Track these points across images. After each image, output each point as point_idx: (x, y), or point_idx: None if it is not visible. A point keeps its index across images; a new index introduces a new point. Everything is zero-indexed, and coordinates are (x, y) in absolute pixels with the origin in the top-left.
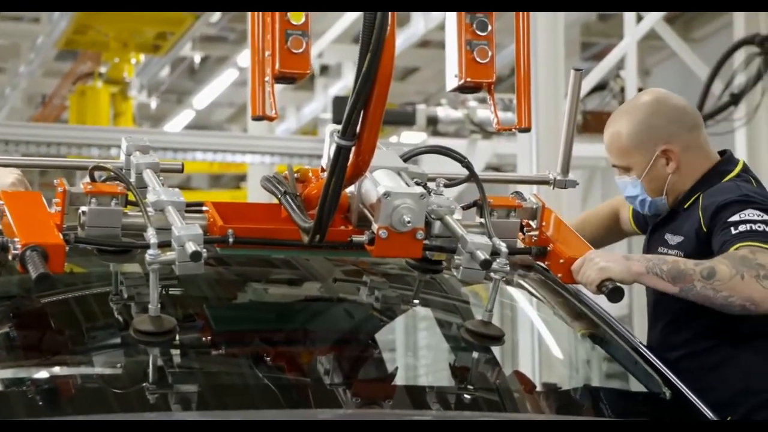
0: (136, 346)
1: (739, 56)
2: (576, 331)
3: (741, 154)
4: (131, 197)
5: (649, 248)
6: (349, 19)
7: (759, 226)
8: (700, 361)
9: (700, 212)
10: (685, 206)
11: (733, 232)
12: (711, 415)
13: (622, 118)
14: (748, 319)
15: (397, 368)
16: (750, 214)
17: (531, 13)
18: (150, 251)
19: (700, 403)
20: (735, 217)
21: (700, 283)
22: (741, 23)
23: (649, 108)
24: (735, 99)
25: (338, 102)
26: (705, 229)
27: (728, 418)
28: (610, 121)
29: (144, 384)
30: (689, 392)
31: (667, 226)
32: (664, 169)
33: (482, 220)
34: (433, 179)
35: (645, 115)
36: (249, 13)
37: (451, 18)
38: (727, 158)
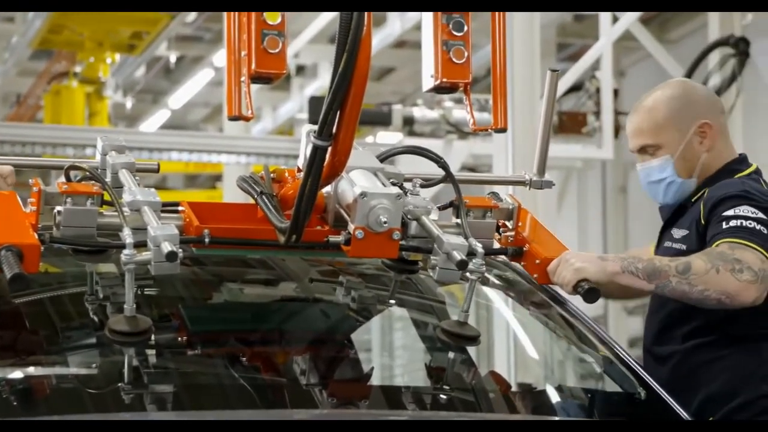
0: (112, 347)
1: (714, 57)
2: (551, 331)
3: None
4: (107, 197)
5: (658, 244)
6: (325, 19)
7: (750, 223)
8: (689, 359)
9: (702, 204)
10: (693, 200)
11: (724, 226)
12: (685, 415)
13: (656, 96)
14: (739, 320)
15: (372, 368)
16: (745, 210)
17: (507, 14)
18: (125, 251)
19: (674, 403)
20: (730, 212)
21: (675, 278)
22: (716, 24)
23: (685, 85)
24: None
25: (314, 102)
26: (703, 222)
27: (710, 419)
28: (638, 104)
29: (119, 384)
30: (664, 393)
31: (675, 222)
32: (700, 146)
33: (458, 220)
34: (409, 179)
35: (683, 90)
36: (225, 13)
37: (427, 18)
38: (741, 158)
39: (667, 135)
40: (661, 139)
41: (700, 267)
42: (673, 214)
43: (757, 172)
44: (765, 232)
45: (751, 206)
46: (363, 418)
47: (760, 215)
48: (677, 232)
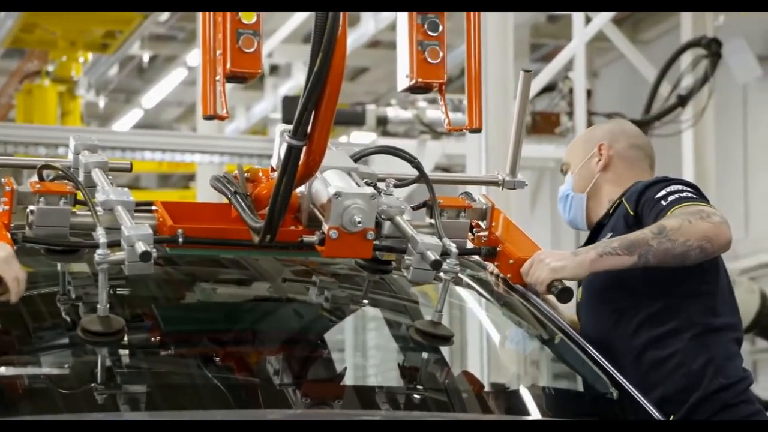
0: (85, 347)
1: (687, 58)
2: (525, 331)
3: (688, 155)
4: (80, 196)
5: None
6: (299, 18)
7: (685, 194)
8: (640, 358)
9: (625, 203)
10: (609, 213)
11: (664, 204)
12: (657, 415)
13: (588, 129)
14: (681, 314)
15: (346, 368)
16: (674, 187)
17: (481, 14)
18: (99, 251)
19: (646, 403)
20: (662, 192)
21: (655, 240)
22: (688, 25)
23: (612, 122)
24: (682, 101)
25: (288, 102)
26: (632, 213)
27: (671, 417)
28: None
29: (92, 384)
30: (636, 392)
31: (594, 240)
32: (596, 166)
33: (432, 220)
34: (383, 179)
35: (607, 124)
36: (200, 13)
37: (402, 18)
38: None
39: (576, 155)
40: (571, 158)
41: (673, 224)
42: (591, 235)
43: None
44: (699, 196)
45: (675, 184)
46: (336, 418)
47: (687, 188)
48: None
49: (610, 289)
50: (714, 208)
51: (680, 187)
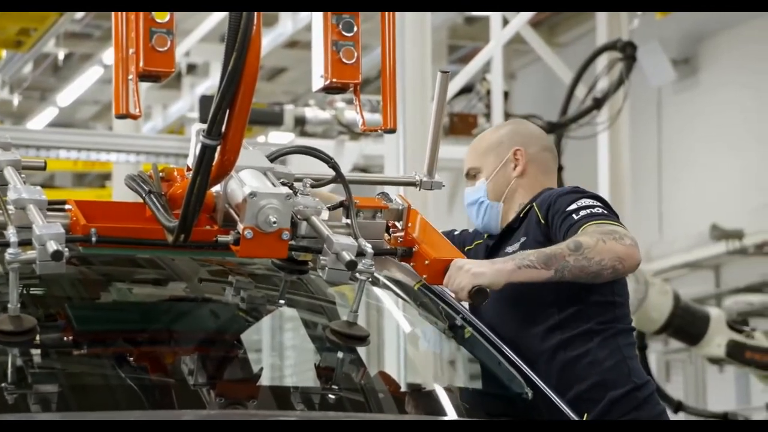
0: None
1: (602, 61)
2: (440, 331)
3: (603, 157)
4: None
5: None
6: (217, 18)
7: (596, 210)
8: (554, 359)
9: (536, 210)
10: (520, 217)
11: (575, 218)
12: (571, 413)
13: (489, 131)
14: (591, 317)
15: (262, 368)
16: (585, 201)
17: (398, 15)
18: (10, 250)
19: (560, 402)
20: (573, 206)
21: (572, 257)
22: (603, 29)
23: (515, 123)
24: (598, 103)
25: (205, 101)
26: (543, 221)
27: (585, 416)
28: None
29: (2, 384)
30: (550, 392)
31: (504, 243)
32: (512, 172)
33: (348, 220)
34: (299, 179)
35: (511, 126)
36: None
37: (317, 18)
38: (560, 185)
39: (487, 160)
40: (481, 162)
41: (588, 241)
42: (499, 238)
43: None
44: (609, 214)
45: (587, 198)
46: (250, 418)
47: (598, 203)
48: (512, 248)
49: (521, 296)
50: (624, 228)
51: (591, 201)
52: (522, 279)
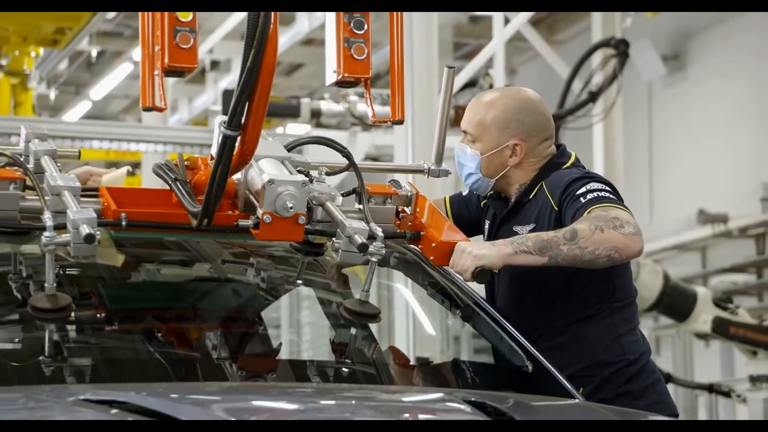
0: (34, 322)
1: (597, 57)
2: (447, 309)
3: (598, 146)
4: (29, 182)
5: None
6: (238, 17)
7: (604, 193)
8: (555, 340)
9: (548, 195)
10: (530, 197)
11: (583, 201)
12: (568, 385)
13: (500, 98)
14: (594, 301)
15: (280, 344)
16: (594, 185)
17: (406, 15)
18: (46, 233)
19: (558, 374)
20: (582, 189)
21: (566, 246)
22: (598, 27)
23: (526, 104)
24: (593, 97)
25: (227, 95)
26: (556, 208)
27: (581, 389)
28: (488, 93)
29: (40, 357)
30: (549, 365)
31: (513, 219)
32: (509, 160)
33: (360, 206)
34: (315, 168)
35: (519, 107)
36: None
37: (330, 18)
38: (561, 152)
39: (486, 135)
40: (480, 134)
41: (585, 230)
42: (509, 212)
43: (577, 161)
44: (617, 198)
45: (597, 182)
46: (269, 389)
47: (606, 187)
48: (522, 229)
49: (532, 280)
50: (630, 214)
51: (600, 185)
52: (518, 263)
